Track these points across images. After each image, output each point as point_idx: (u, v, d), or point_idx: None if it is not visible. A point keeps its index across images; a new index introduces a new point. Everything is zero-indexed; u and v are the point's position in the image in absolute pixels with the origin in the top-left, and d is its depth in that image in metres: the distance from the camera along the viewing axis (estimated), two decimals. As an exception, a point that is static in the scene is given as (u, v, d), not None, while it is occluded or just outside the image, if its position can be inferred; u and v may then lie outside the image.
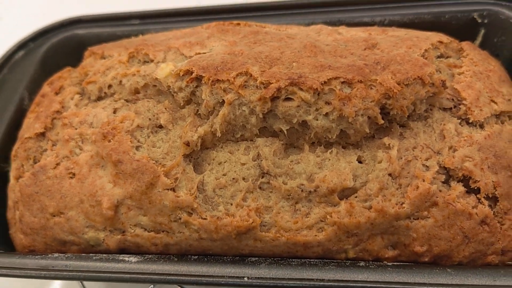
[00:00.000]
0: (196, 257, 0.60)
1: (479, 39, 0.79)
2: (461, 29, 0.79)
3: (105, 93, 0.69)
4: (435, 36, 0.69)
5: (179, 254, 0.61)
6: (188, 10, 0.85)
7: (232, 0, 0.90)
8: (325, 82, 0.56)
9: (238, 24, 0.74)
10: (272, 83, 0.57)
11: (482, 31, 0.78)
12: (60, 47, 0.88)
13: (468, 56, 0.68)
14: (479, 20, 0.78)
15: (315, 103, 0.57)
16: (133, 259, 0.60)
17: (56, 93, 0.73)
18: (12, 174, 0.70)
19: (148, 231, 0.61)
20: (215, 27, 0.71)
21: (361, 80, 0.57)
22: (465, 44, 0.71)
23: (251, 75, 0.58)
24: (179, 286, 0.65)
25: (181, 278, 0.56)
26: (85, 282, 0.79)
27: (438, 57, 0.67)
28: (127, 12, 0.87)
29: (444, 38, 0.69)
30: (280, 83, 0.56)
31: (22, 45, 0.87)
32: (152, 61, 0.68)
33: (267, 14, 0.83)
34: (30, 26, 1.40)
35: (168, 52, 0.68)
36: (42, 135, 0.69)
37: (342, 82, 0.57)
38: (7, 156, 0.75)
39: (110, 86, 0.68)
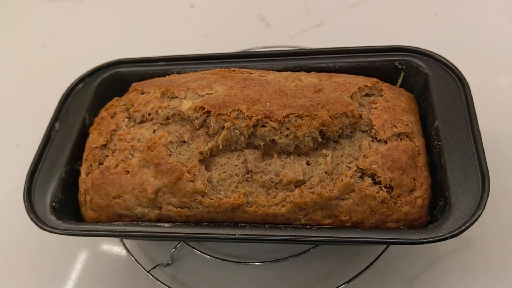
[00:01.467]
0: (206, 223, 0.94)
1: (400, 79, 1.12)
2: (389, 71, 1.09)
3: (146, 118, 1.03)
4: (363, 81, 1.03)
5: (195, 222, 0.95)
6: (199, 56, 1.19)
7: (233, 48, 1.25)
8: (286, 116, 0.91)
9: (234, 70, 1.08)
10: (253, 116, 0.92)
11: (402, 74, 1.11)
12: (109, 81, 1.19)
13: (384, 95, 1.02)
14: (399, 67, 1.08)
15: (279, 129, 0.91)
16: (166, 225, 0.92)
17: (112, 117, 1.08)
18: (83, 171, 1.05)
19: (176, 207, 0.91)
20: (218, 74, 1.06)
21: (307, 115, 0.91)
22: (385, 86, 1.05)
23: (240, 111, 0.93)
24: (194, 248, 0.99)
25: (198, 235, 0.90)
26: (126, 243, 1.15)
27: (364, 95, 1.02)
28: (155, 56, 1.21)
29: (369, 82, 1.03)
30: (258, 116, 0.91)
31: (81, 80, 1.19)
32: (177, 97, 1.03)
33: (255, 60, 1.17)
34: (70, 54, 1.75)
35: (187, 91, 1.03)
36: (104, 145, 1.04)
37: (296, 116, 0.91)
38: (77, 158, 1.10)
39: (149, 114, 1.03)
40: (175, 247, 1.14)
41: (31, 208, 0.99)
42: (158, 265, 1.13)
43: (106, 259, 1.18)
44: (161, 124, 1.01)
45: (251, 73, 1.06)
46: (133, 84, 1.13)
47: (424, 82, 1.07)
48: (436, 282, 1.02)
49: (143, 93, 1.08)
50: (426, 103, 1.05)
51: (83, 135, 1.11)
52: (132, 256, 1.14)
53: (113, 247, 1.20)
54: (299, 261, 1.09)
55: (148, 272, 1.10)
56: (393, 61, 1.10)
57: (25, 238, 1.21)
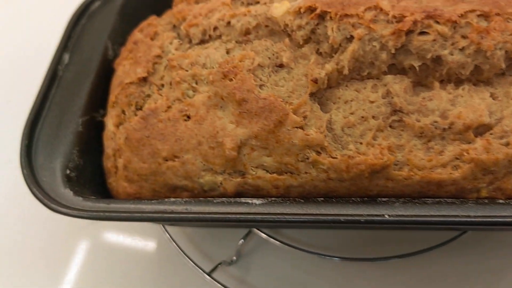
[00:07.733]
0: (323, 199, 0.58)
1: None
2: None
3: (209, 35, 0.66)
4: None
5: (300, 196, 0.59)
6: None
7: None
8: (461, 15, 0.54)
9: None
10: (406, 16, 0.55)
11: None
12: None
13: None
14: None
15: (451, 37, 0.55)
16: (256, 201, 0.57)
17: (152, 39, 0.71)
18: (111, 122, 0.68)
19: (271, 173, 0.58)
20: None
21: (498, 13, 0.55)
22: None
23: (381, 9, 0.56)
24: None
25: (317, 218, 0.54)
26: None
27: None
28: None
29: None
30: (416, 16, 0.54)
31: (99, -6, 0.84)
32: (257, 2, 0.66)
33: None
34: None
35: (277, -11, 0.66)
36: (144, 79, 0.67)
37: (479, 15, 0.55)
38: (98, 106, 0.73)
39: (215, 28, 0.65)
40: (243, 238, 0.78)
41: (33, 178, 0.62)
42: (220, 264, 0.78)
43: (139, 255, 0.82)
44: (236, 42, 0.63)
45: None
46: (182, -8, 0.75)
47: None
48: None
49: (197, 3, 0.71)
50: None
51: (105, 73, 0.74)
52: (183, 252, 0.78)
53: (146, 239, 0.83)
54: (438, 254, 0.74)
55: (208, 274, 0.74)
56: None
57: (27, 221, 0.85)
